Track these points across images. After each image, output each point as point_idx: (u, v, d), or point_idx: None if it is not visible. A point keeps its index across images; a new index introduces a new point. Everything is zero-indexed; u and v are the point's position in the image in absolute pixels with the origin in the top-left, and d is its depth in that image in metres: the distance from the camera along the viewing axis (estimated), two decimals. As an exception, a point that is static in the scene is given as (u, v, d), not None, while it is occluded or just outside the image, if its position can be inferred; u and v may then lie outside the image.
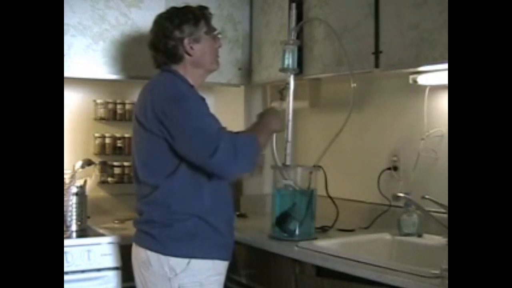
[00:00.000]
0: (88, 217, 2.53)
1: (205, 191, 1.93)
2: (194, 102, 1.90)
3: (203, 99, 1.98)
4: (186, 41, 1.99)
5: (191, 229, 1.90)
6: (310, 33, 2.50)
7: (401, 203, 2.23)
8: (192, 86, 1.99)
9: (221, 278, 2.00)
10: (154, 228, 1.92)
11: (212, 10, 2.76)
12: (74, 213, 2.42)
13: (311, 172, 2.26)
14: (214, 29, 2.09)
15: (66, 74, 2.35)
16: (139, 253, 1.96)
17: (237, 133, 1.96)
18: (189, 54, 2.00)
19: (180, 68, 2.01)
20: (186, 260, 1.89)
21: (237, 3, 2.89)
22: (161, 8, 2.41)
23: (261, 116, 2.11)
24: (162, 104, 1.88)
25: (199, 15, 2.04)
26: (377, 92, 2.60)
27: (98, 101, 2.91)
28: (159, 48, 2.02)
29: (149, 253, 1.91)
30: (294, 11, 2.46)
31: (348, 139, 2.46)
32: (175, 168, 1.90)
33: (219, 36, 2.11)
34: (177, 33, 1.99)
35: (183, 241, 1.90)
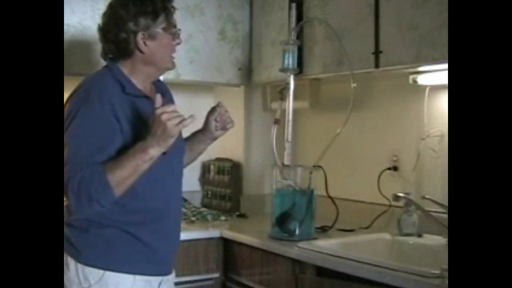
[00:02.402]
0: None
1: (128, 199, 1.68)
2: (89, 117, 1.68)
3: (142, 97, 1.78)
4: (139, 35, 1.76)
5: (108, 237, 1.71)
6: (310, 33, 2.50)
7: (401, 203, 2.23)
8: (124, 87, 1.76)
9: None
10: (72, 232, 1.74)
11: (212, 10, 2.80)
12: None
13: (311, 172, 2.26)
14: (174, 26, 1.84)
15: (66, 74, 2.35)
16: None
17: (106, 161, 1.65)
18: (140, 51, 1.78)
19: (127, 64, 1.80)
20: (100, 272, 1.69)
21: (237, 3, 2.89)
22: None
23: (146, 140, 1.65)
24: (68, 105, 1.73)
25: (160, 8, 1.79)
26: (377, 92, 2.60)
27: (98, 101, 2.90)
28: (109, 38, 1.79)
29: (68, 257, 1.73)
30: (294, 11, 2.47)
31: (348, 139, 2.46)
32: None
33: (179, 32, 1.86)
34: (130, 25, 1.75)
35: (99, 249, 1.71)
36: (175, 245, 1.90)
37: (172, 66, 1.89)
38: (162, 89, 1.92)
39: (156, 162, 1.66)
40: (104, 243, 1.72)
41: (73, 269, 1.72)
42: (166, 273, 1.84)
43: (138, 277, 1.74)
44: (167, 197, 1.82)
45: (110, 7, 1.82)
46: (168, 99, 1.89)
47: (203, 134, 2.02)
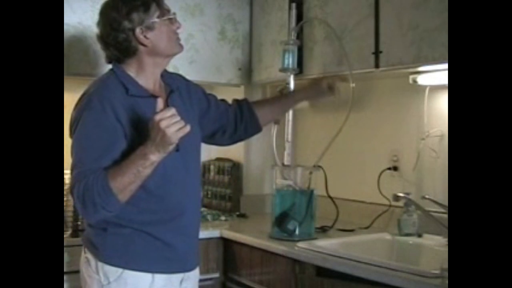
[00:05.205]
0: (88, 217, 2.53)
1: (142, 199, 1.71)
2: (91, 123, 1.69)
3: (148, 97, 1.76)
4: (138, 30, 1.76)
5: (126, 237, 1.74)
6: (310, 33, 2.50)
7: (401, 203, 2.23)
8: (128, 89, 1.75)
9: None
10: (92, 231, 1.78)
11: (212, 10, 2.80)
12: (74, 213, 2.42)
13: (311, 172, 2.26)
14: (168, 11, 1.83)
15: (66, 74, 2.35)
16: (83, 251, 1.82)
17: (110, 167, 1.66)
18: (143, 45, 1.77)
19: (133, 63, 1.80)
20: (119, 270, 1.72)
21: (237, 3, 2.89)
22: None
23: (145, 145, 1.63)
24: (73, 112, 1.75)
25: None
26: (377, 92, 2.59)
27: (98, 101, 2.90)
28: (109, 43, 1.79)
29: (89, 254, 1.78)
30: (294, 11, 2.47)
31: (348, 139, 2.46)
32: None
33: (174, 16, 1.84)
34: (126, 24, 1.75)
35: (117, 249, 1.73)
36: (195, 241, 1.89)
37: (180, 49, 1.87)
38: (173, 85, 1.90)
39: (169, 159, 1.66)
40: (122, 243, 1.74)
41: (93, 266, 1.75)
42: (187, 270, 1.84)
43: (157, 275, 1.75)
44: (182, 195, 1.81)
45: (101, 14, 1.82)
46: (181, 95, 1.89)
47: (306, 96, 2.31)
